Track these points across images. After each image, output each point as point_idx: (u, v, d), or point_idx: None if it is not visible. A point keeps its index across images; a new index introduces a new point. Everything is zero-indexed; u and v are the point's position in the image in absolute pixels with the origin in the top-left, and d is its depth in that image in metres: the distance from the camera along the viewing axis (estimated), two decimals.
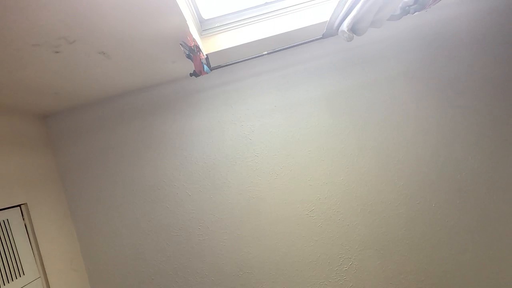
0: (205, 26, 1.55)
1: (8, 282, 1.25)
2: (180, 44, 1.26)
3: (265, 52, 1.53)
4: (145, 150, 1.75)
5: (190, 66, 1.47)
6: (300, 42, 1.53)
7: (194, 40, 1.24)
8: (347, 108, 1.73)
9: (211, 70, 1.49)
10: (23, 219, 1.41)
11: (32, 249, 1.41)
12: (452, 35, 1.74)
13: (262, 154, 1.73)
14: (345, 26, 1.24)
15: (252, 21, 1.53)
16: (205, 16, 1.52)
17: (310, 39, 1.51)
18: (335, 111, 1.73)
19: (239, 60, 1.56)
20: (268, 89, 1.74)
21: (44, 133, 1.73)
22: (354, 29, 1.28)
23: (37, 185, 1.54)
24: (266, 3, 1.53)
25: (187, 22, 1.14)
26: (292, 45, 1.53)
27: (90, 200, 1.74)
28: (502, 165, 1.70)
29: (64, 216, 1.68)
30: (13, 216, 1.36)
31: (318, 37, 1.47)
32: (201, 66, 1.38)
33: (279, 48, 1.53)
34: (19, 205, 1.41)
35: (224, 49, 1.52)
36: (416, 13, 1.34)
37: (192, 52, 1.30)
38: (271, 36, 1.51)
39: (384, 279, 1.70)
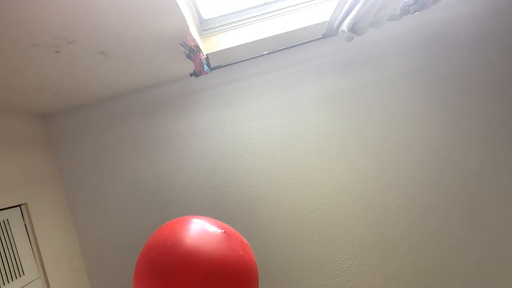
0: (205, 26, 1.55)
1: (8, 282, 1.25)
2: (180, 44, 1.26)
3: (265, 52, 1.53)
4: (145, 150, 1.75)
5: (190, 66, 1.47)
6: (300, 42, 1.53)
7: (194, 40, 1.24)
8: (347, 108, 1.73)
9: (211, 70, 1.49)
10: (23, 219, 1.41)
11: (32, 249, 1.41)
12: (452, 35, 1.74)
13: (262, 154, 1.73)
14: (345, 26, 1.24)
15: (252, 21, 1.53)
16: (205, 16, 1.52)
17: (310, 39, 1.51)
18: (335, 111, 1.73)
19: (239, 60, 1.56)
20: (268, 89, 1.74)
21: (44, 133, 1.73)
22: (354, 29, 1.28)
23: (37, 185, 1.54)
24: (266, 3, 1.53)
25: (187, 22, 1.14)
26: (292, 45, 1.53)
27: (90, 200, 1.74)
28: (502, 165, 1.70)
29: (64, 216, 1.68)
30: (13, 216, 1.36)
31: (318, 37, 1.47)
32: (201, 66, 1.38)
33: (279, 48, 1.53)
34: (19, 205, 1.41)
35: (224, 49, 1.52)
36: (416, 13, 1.34)
37: (192, 52, 1.30)
38: (271, 36, 1.51)
39: (384, 279, 1.70)
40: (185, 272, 0.75)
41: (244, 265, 0.81)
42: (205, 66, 1.40)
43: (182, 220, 0.92)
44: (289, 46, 1.53)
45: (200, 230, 0.84)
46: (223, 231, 0.87)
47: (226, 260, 0.78)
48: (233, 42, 1.52)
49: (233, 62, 1.55)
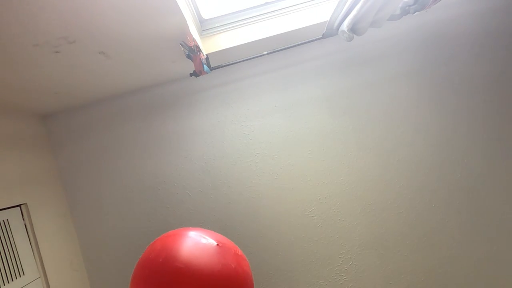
0: (205, 26, 1.55)
1: (8, 282, 1.25)
2: (180, 44, 1.26)
3: (265, 52, 1.53)
4: (145, 150, 1.75)
5: (190, 66, 1.47)
6: (300, 42, 1.53)
7: (194, 40, 1.24)
8: (347, 108, 1.73)
9: (211, 70, 1.49)
10: (23, 219, 1.41)
11: (32, 249, 1.41)
12: (452, 35, 1.74)
13: (262, 154, 1.73)
14: (345, 26, 1.24)
15: (252, 21, 1.54)
16: (205, 16, 1.53)
17: (310, 39, 1.51)
18: (335, 111, 1.73)
19: (239, 60, 1.56)
20: (268, 89, 1.74)
21: (44, 133, 1.73)
22: (354, 29, 1.28)
23: (37, 185, 1.54)
24: (266, 3, 1.54)
25: (187, 22, 1.14)
26: (292, 45, 1.53)
27: (90, 200, 1.74)
28: (502, 165, 1.70)
29: (64, 216, 1.68)
30: (13, 216, 1.36)
31: (318, 37, 1.47)
32: (201, 66, 1.38)
33: (279, 48, 1.53)
34: (19, 205, 1.41)
35: (224, 49, 1.52)
36: (416, 13, 1.34)
37: (192, 52, 1.30)
38: (271, 36, 1.51)
39: (384, 279, 1.70)
40: None
41: (236, 279, 0.81)
42: (205, 66, 1.40)
43: (175, 234, 0.91)
44: (289, 46, 1.53)
45: (192, 245, 0.84)
46: (216, 244, 0.86)
47: (218, 275, 0.78)
48: (233, 42, 1.52)
49: (233, 62, 1.56)
